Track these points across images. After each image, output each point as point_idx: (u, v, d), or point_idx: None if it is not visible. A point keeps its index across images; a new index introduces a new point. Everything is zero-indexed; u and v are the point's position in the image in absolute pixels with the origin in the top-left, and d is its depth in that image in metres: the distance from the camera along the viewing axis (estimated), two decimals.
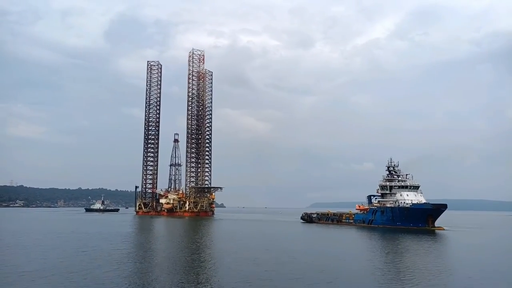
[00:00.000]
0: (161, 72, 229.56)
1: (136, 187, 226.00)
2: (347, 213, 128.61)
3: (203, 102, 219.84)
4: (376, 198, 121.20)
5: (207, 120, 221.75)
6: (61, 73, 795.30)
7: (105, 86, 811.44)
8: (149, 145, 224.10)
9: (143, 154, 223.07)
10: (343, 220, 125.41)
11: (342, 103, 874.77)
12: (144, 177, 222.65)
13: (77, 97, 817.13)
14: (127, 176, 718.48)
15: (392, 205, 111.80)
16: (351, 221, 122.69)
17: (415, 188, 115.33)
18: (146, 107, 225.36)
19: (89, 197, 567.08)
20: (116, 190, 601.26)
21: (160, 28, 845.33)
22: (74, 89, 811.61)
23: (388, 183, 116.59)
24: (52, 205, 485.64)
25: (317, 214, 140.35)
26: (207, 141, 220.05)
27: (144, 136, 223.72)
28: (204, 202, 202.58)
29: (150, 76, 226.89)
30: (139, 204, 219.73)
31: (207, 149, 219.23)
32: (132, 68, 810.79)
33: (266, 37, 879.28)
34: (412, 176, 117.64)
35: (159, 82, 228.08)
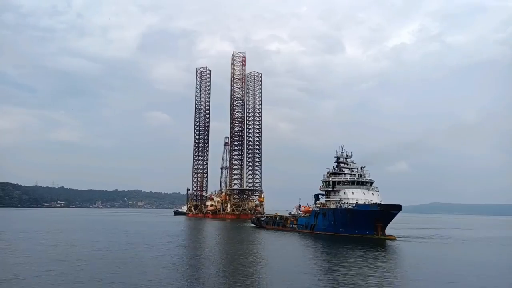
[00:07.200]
0: (210, 78, 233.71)
1: (188, 189, 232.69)
2: (292, 217, 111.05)
3: (244, 104, 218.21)
4: (323, 198, 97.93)
5: (257, 122, 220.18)
6: (99, 82, 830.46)
7: (138, 93, 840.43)
8: (200, 149, 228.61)
9: (193, 158, 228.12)
10: (287, 225, 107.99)
11: (369, 106, 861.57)
12: (195, 180, 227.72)
13: (113, 104, 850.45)
14: (162, 178, 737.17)
15: (335, 206, 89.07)
16: (295, 225, 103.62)
17: (367, 184, 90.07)
18: (195, 112, 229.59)
19: (125, 198, 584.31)
20: (150, 192, 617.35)
21: (188, 38, 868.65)
22: (110, 96, 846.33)
23: (331, 178, 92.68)
24: (91, 206, 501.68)
25: (266, 217, 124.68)
26: (256, 142, 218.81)
27: (194, 140, 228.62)
28: (247, 205, 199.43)
29: (200, 82, 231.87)
30: (189, 206, 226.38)
31: (256, 151, 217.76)
32: (164, 75, 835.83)
33: (293, 43, 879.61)
34: (363, 170, 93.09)
35: (208, 87, 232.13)
